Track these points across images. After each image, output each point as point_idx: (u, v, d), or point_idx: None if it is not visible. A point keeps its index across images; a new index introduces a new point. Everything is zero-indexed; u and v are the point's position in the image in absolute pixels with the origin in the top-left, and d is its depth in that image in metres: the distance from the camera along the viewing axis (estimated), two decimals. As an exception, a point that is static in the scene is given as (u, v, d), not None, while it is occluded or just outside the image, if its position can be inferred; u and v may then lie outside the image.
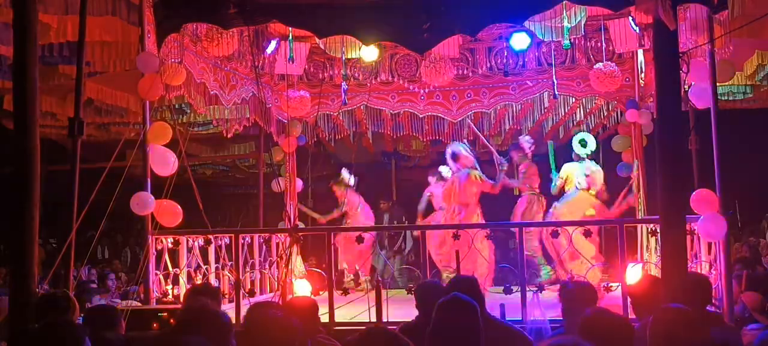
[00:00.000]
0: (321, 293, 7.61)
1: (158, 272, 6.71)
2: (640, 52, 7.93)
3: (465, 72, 8.55)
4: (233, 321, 4.11)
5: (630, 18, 7.25)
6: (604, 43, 7.86)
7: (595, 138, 9.37)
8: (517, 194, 9.07)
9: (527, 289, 6.15)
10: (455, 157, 8.66)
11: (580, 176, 8.32)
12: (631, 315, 4.85)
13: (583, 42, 8.05)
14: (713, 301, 5.82)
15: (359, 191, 10.16)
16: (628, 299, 5.30)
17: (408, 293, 6.06)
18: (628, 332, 3.49)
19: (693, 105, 6.35)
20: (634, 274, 6.42)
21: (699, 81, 6.01)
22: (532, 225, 8.28)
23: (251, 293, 7.02)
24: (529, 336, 4.41)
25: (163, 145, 6.57)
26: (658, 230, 5.35)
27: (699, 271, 6.13)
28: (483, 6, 5.66)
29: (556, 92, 8.04)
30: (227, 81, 7.50)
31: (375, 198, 10.95)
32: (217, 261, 7.06)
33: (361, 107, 9.06)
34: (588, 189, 8.32)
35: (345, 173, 10.01)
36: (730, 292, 5.75)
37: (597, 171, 8.42)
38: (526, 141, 9.00)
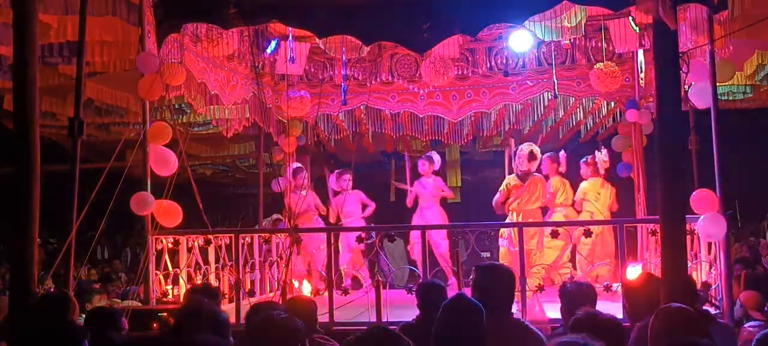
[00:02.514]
0: (320, 292, 7.60)
1: (158, 272, 6.71)
2: (640, 52, 7.93)
3: (465, 72, 8.55)
4: (232, 321, 4.12)
5: (630, 18, 7.25)
6: (604, 43, 7.86)
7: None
8: None
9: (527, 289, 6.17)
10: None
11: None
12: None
13: (583, 42, 8.05)
14: (713, 301, 5.83)
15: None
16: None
17: (408, 293, 6.06)
18: (620, 333, 3.48)
19: (693, 105, 6.35)
20: (633, 274, 6.42)
21: (699, 81, 6.00)
22: (533, 225, 8.27)
23: (251, 293, 7.02)
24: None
25: (163, 145, 6.57)
26: (658, 230, 5.35)
27: (699, 271, 6.14)
28: (483, 6, 5.65)
29: (557, 92, 8.04)
30: (227, 81, 7.49)
31: (375, 198, 10.90)
32: (217, 261, 7.05)
33: (361, 107, 9.06)
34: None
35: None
36: (730, 292, 5.75)
37: None
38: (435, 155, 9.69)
